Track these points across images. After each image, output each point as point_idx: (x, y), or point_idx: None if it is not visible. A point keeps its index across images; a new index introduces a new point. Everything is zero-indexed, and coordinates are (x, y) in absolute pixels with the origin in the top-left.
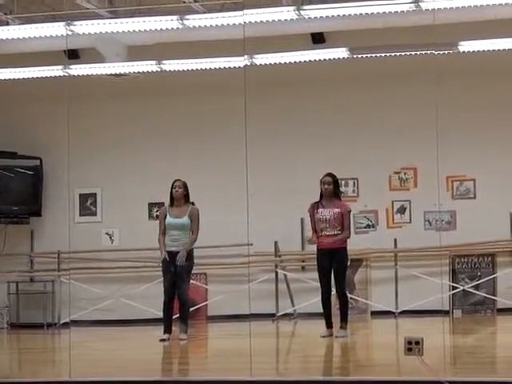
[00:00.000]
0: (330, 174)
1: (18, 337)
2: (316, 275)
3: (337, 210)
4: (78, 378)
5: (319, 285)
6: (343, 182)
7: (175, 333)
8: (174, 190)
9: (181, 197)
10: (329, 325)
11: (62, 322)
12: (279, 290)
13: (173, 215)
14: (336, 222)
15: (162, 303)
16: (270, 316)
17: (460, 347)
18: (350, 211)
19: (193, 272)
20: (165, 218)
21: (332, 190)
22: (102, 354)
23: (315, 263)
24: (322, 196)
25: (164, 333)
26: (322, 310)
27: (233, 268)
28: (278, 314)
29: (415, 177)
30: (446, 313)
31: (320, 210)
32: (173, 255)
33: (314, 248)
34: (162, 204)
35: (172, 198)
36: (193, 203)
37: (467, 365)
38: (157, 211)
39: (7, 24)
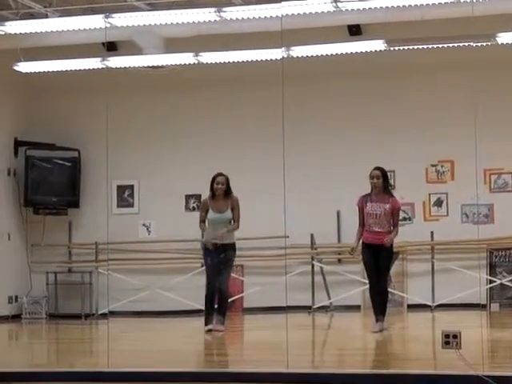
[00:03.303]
0: (378, 168)
1: (57, 327)
2: (352, 268)
3: (387, 205)
4: (116, 368)
5: (367, 280)
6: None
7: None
8: (216, 186)
9: (222, 192)
10: (380, 319)
11: (99, 313)
12: (315, 283)
13: (216, 210)
14: (386, 218)
15: (204, 296)
16: (306, 308)
17: (498, 341)
18: (399, 208)
19: None
20: (207, 211)
21: (381, 184)
22: (139, 345)
23: (350, 256)
24: (371, 189)
25: (206, 324)
26: (358, 303)
27: (269, 260)
28: (314, 307)
29: (452, 169)
30: (483, 306)
31: (369, 204)
32: (216, 248)
33: (350, 240)
34: (199, 196)
35: (213, 192)
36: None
37: (505, 359)
38: (193, 203)
39: (46, 17)
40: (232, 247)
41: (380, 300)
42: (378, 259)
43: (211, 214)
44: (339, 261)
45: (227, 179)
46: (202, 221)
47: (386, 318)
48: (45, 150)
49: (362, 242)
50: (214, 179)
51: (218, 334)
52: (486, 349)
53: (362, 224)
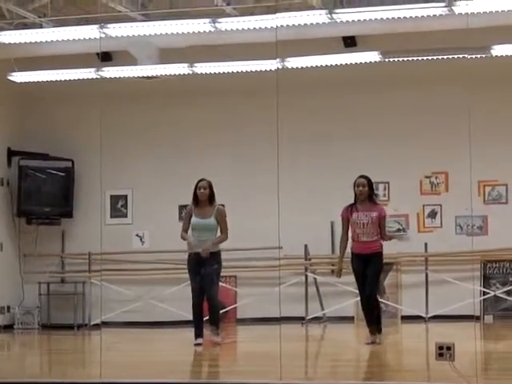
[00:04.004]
0: (363, 176)
1: (49, 337)
2: (345, 279)
3: (374, 213)
4: (109, 379)
5: (357, 290)
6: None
7: (206, 335)
8: (199, 191)
9: (206, 198)
10: (372, 331)
11: (92, 324)
12: (309, 294)
13: (198, 216)
14: (373, 227)
15: (192, 306)
16: (300, 319)
17: (491, 353)
18: (385, 216)
19: (222, 274)
20: (190, 217)
21: (367, 192)
22: (132, 356)
23: (349, 267)
24: (356, 199)
25: (196, 337)
26: (352, 314)
27: (262, 271)
28: (308, 318)
29: (446, 181)
30: (477, 318)
31: (355, 213)
32: (200, 257)
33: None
34: None
35: (196, 198)
36: (222, 205)
37: (499, 371)
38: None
39: (41, 27)
40: (216, 257)
41: (372, 311)
42: (367, 268)
43: (193, 219)
44: (332, 272)
45: (210, 184)
46: (184, 229)
47: (382, 329)
48: (38, 159)
49: (351, 252)
50: (196, 185)
51: (214, 345)
52: (479, 361)
53: (346, 235)
